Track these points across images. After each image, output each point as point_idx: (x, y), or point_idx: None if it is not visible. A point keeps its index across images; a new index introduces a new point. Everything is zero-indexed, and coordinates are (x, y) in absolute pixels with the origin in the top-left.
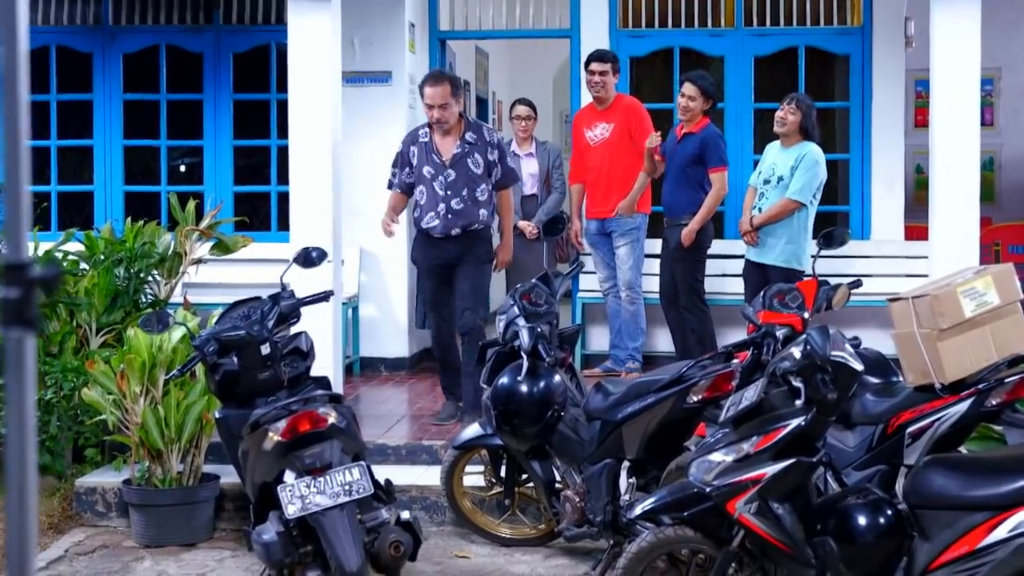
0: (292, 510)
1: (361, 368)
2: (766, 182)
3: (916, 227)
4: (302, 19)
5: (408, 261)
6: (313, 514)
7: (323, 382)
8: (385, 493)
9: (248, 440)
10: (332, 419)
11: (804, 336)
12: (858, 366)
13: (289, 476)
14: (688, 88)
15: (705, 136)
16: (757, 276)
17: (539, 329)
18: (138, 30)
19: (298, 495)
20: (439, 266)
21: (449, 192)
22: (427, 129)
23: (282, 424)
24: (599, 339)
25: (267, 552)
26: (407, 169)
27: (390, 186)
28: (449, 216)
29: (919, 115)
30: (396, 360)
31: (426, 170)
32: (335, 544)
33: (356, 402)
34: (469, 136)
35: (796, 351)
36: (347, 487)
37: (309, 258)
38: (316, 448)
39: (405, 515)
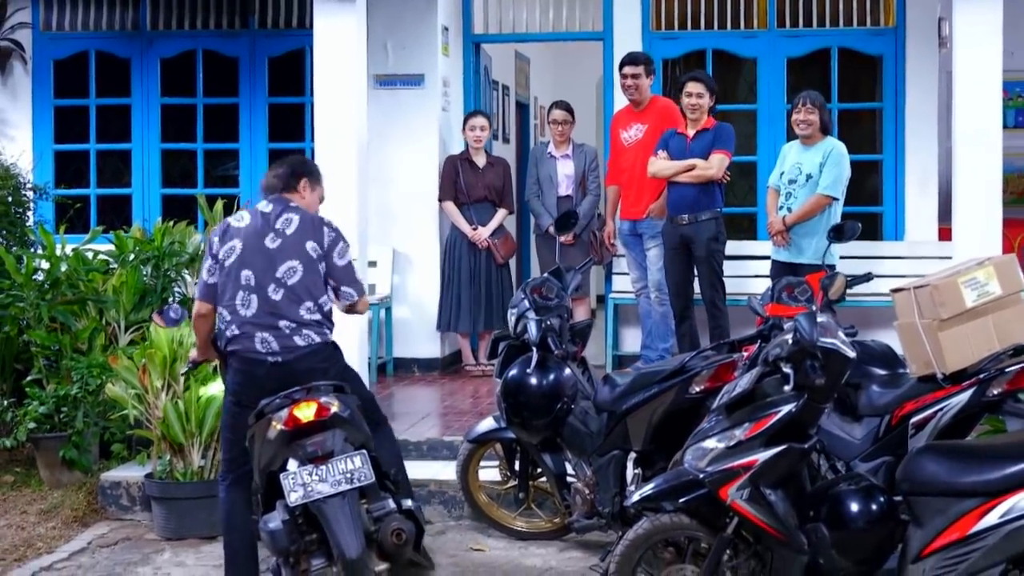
0: (294, 497)
1: (395, 369)
2: (791, 182)
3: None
4: (327, 21)
5: (440, 267)
6: (315, 502)
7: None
8: (393, 483)
9: (254, 429)
10: (335, 408)
11: (794, 323)
12: (850, 353)
13: (292, 464)
14: (695, 87)
15: (719, 127)
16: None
17: (548, 322)
18: (175, 35)
19: (300, 483)
20: None
21: None
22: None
23: (284, 413)
24: (632, 340)
25: (272, 540)
26: None
27: None
28: None
29: None
30: (429, 360)
31: None
32: (336, 531)
33: (387, 401)
34: None
35: (787, 338)
36: (348, 475)
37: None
38: (319, 437)
39: (408, 503)
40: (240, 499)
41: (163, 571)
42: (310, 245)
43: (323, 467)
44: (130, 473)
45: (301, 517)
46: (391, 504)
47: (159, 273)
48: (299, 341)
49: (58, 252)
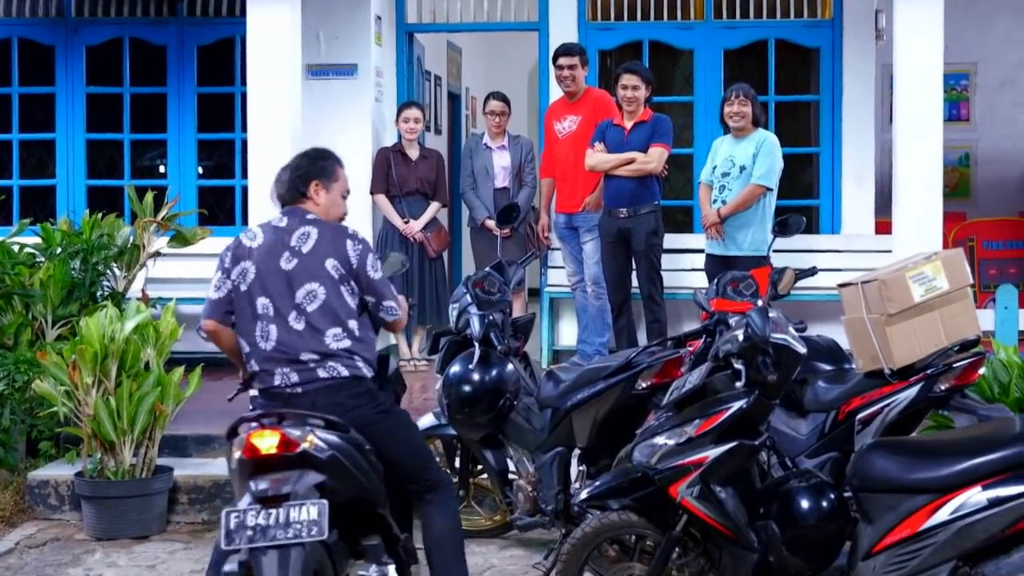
0: (223, 541)
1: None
2: (725, 175)
3: (890, 223)
4: (261, 11)
5: None
6: (254, 551)
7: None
8: (404, 552)
9: (226, 449)
10: (306, 445)
11: (745, 319)
12: (800, 348)
13: (244, 501)
14: (631, 79)
15: (657, 120)
16: (723, 269)
17: (491, 317)
18: (101, 23)
19: (235, 525)
20: None
21: None
22: None
23: (244, 439)
24: (568, 334)
25: None
26: None
27: None
28: None
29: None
30: None
31: None
32: None
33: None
34: None
35: (738, 333)
36: (295, 527)
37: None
38: (279, 475)
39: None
40: None
41: (94, 572)
42: (331, 264)
43: (271, 511)
44: (59, 472)
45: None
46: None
47: (87, 267)
48: (322, 373)
49: None
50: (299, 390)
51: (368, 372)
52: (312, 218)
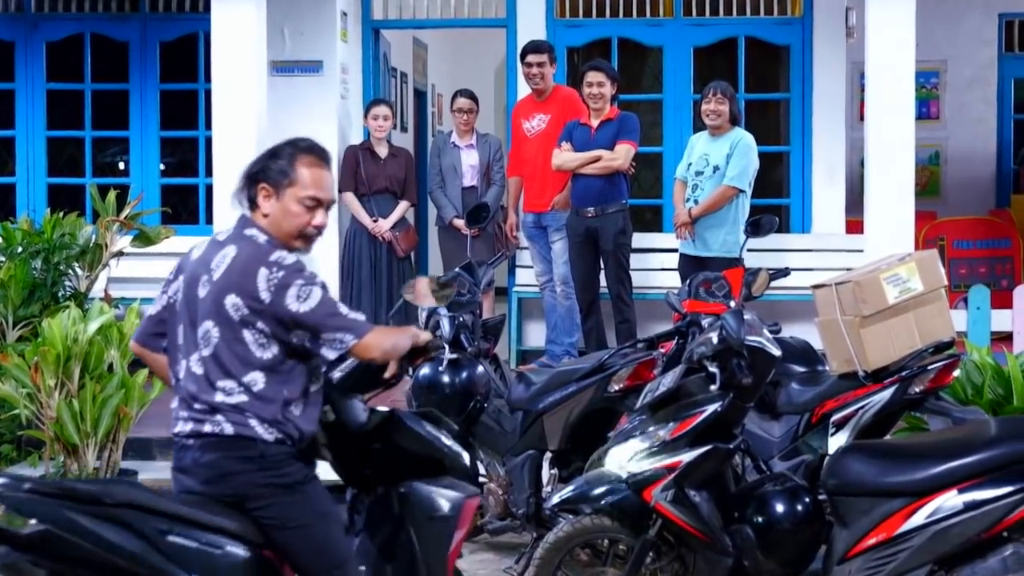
0: None
1: None
2: (698, 174)
3: (861, 222)
4: (225, 6)
5: (340, 260)
6: None
7: None
8: None
9: None
10: None
11: (720, 321)
12: (775, 351)
13: None
14: (596, 76)
15: (624, 117)
16: (696, 270)
17: (461, 318)
18: (62, 18)
19: None
20: None
21: None
22: None
23: None
24: (536, 335)
25: None
26: None
27: None
28: None
29: (864, 108)
30: None
31: None
32: None
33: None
34: None
35: (712, 336)
36: None
37: None
38: None
39: None
40: None
41: None
42: (230, 301)
43: None
44: (21, 475)
45: None
46: None
47: (49, 266)
48: (207, 428)
49: None
50: (188, 442)
51: (267, 435)
52: (248, 234)
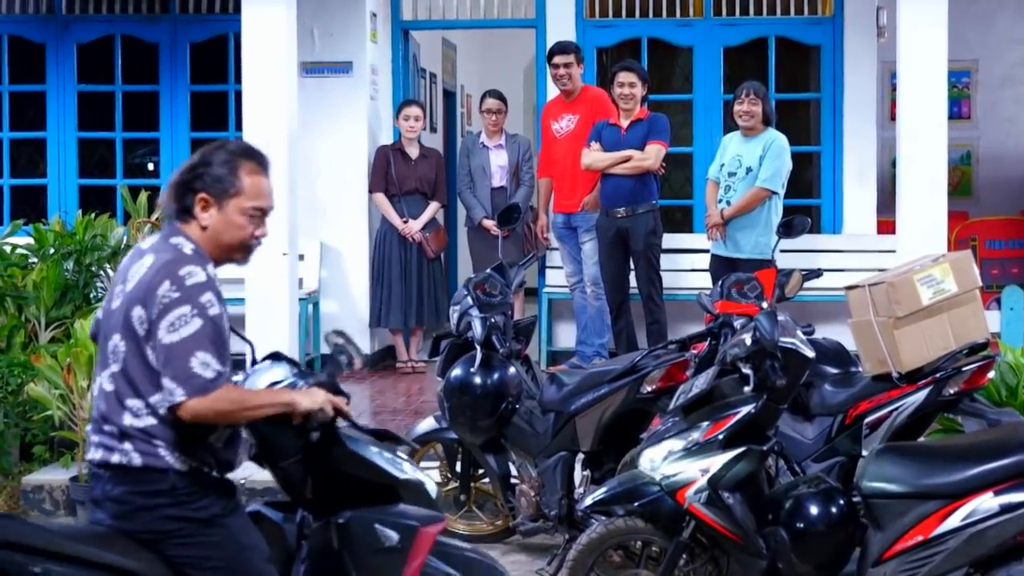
0: None
1: (322, 365)
2: (731, 174)
3: (892, 222)
4: (256, 8)
5: (370, 261)
6: None
7: None
8: None
9: None
10: None
11: (753, 323)
12: (809, 352)
13: None
14: (627, 76)
15: (654, 118)
16: (728, 271)
17: (493, 320)
18: (92, 19)
19: None
20: None
21: None
22: None
23: None
24: (566, 336)
25: None
26: None
27: None
28: None
29: (895, 108)
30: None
31: None
32: None
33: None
34: None
35: (746, 337)
36: None
37: None
38: None
39: None
40: None
41: None
42: (136, 313)
43: None
44: (54, 476)
45: None
46: None
47: (81, 268)
48: (115, 457)
49: None
50: (99, 471)
51: (179, 464)
52: (173, 242)
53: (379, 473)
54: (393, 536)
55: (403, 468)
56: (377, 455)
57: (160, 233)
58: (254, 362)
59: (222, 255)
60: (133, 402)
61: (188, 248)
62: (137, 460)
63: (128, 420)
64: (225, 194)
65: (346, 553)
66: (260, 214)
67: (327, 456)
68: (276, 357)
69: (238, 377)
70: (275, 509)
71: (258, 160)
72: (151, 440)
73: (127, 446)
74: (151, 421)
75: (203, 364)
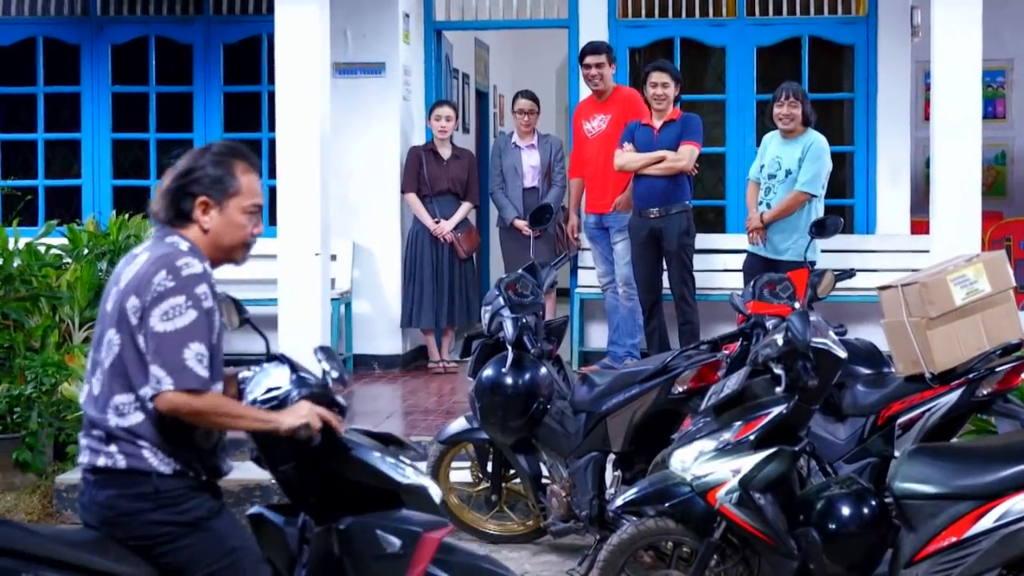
0: None
1: (354, 366)
2: (771, 176)
3: (925, 222)
4: (289, 9)
5: (402, 261)
6: None
7: None
8: None
9: None
10: None
11: (785, 323)
12: (841, 353)
13: None
14: (660, 76)
15: (687, 118)
16: (765, 271)
17: (524, 320)
18: (127, 21)
19: None
20: None
21: None
22: None
23: None
24: (598, 336)
25: None
26: None
27: None
28: None
29: (928, 108)
30: (390, 357)
31: None
32: None
33: (348, 399)
34: None
35: (778, 338)
36: None
37: None
38: None
39: None
40: None
41: None
42: (131, 303)
43: None
44: None
45: None
46: None
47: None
48: (101, 460)
49: (10, 246)
50: (88, 476)
51: (163, 466)
52: (168, 240)
53: (381, 478)
54: (395, 542)
55: (406, 473)
56: (379, 460)
57: (153, 236)
58: (269, 357)
59: (221, 256)
60: (120, 398)
61: (184, 245)
62: (122, 462)
63: (114, 420)
64: (225, 195)
65: (347, 560)
66: (257, 211)
67: (329, 461)
68: (280, 359)
69: (247, 373)
70: (277, 512)
71: (247, 158)
72: (135, 441)
73: (112, 448)
74: (137, 418)
75: (197, 358)
